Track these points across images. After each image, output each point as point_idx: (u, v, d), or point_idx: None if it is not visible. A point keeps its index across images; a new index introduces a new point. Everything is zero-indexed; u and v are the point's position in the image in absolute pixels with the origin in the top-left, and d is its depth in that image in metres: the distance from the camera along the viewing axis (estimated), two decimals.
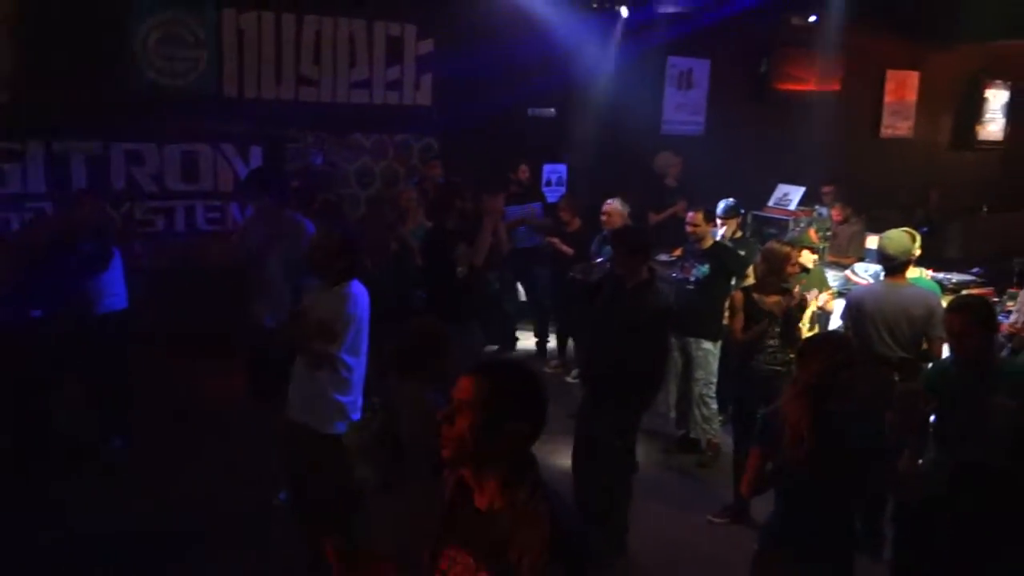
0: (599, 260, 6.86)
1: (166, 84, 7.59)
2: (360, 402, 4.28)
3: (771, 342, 5.41)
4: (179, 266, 7.55)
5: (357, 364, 4.23)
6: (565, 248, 7.55)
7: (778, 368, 5.40)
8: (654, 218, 8.68)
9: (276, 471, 5.43)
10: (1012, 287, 6.87)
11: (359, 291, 4.21)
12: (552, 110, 9.48)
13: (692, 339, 6.36)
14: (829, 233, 8.20)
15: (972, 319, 3.79)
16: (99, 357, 5.76)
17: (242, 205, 7.71)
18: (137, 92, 7.45)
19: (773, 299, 5.48)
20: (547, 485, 2.10)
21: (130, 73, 7.44)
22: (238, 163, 7.95)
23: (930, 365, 4.75)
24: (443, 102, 8.80)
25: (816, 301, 6.15)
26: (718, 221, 7.06)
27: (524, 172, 8.72)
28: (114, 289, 5.79)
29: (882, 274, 6.35)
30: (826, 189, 9.05)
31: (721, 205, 7.21)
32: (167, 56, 7.57)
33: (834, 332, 5.66)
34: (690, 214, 6.47)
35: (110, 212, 6.97)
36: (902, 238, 5.19)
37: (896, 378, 4.93)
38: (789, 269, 5.51)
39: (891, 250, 5.14)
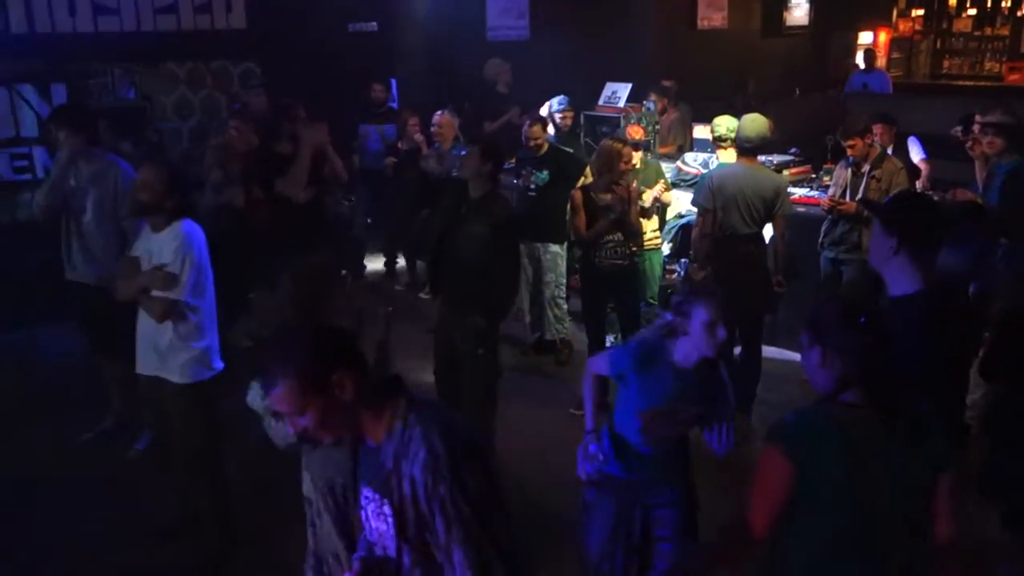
0: (454, 152, 6.85)
1: None
2: (217, 344, 4.13)
3: (610, 238, 5.57)
4: None
5: (206, 306, 4.03)
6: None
7: (619, 262, 5.59)
8: (489, 126, 8.67)
9: (128, 423, 5.26)
10: (827, 163, 7.32)
11: (193, 229, 3.97)
12: (374, 24, 9.19)
13: (539, 244, 6.48)
14: (658, 127, 8.43)
15: None
16: None
17: (50, 149, 7.14)
18: None
19: (608, 196, 5.63)
20: (423, 404, 2.14)
21: None
22: (40, 104, 7.31)
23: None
24: (259, 23, 8.35)
25: (649, 193, 6.38)
26: (557, 117, 7.17)
27: (378, 91, 8.48)
28: None
29: (714, 159, 6.66)
30: (666, 83, 9.25)
31: (556, 101, 7.30)
32: None
33: None
34: (526, 127, 6.51)
35: None
36: (759, 122, 5.44)
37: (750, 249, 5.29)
38: (622, 166, 5.63)
39: (750, 132, 5.39)
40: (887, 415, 2.31)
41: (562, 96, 7.40)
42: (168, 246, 3.89)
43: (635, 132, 6.89)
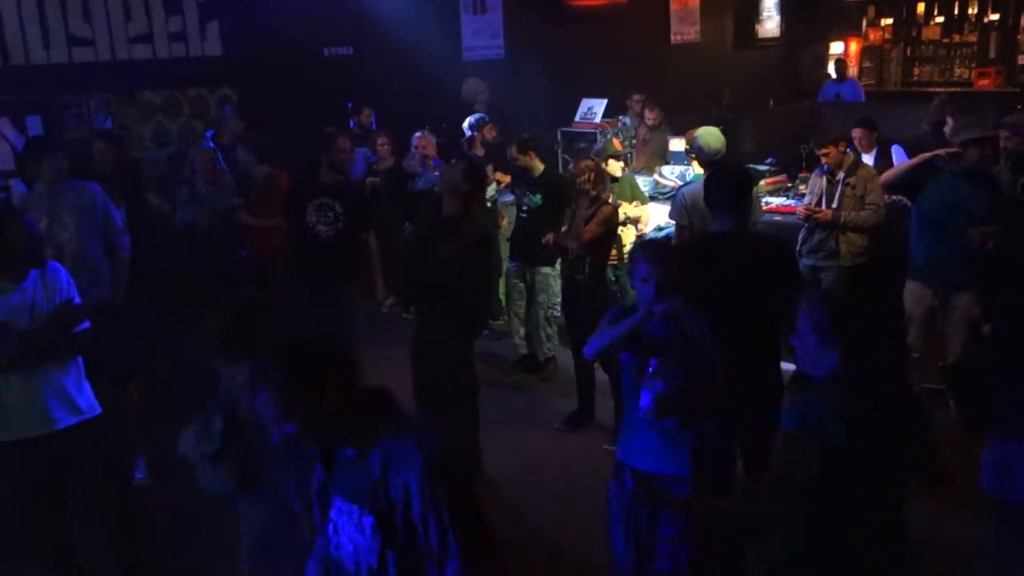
0: (437, 164, 6.90)
1: None
2: None
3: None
4: None
5: None
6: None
7: (576, 276, 5.60)
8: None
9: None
10: (802, 171, 7.40)
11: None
12: (350, 48, 9.24)
13: (531, 266, 6.46)
14: (634, 141, 8.50)
15: None
16: None
17: (27, 181, 7.11)
18: None
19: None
20: (410, 418, 2.21)
21: None
22: (14, 136, 7.29)
23: None
24: (234, 50, 8.37)
25: (626, 209, 6.39)
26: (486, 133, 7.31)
27: (368, 115, 8.52)
28: None
29: (690, 172, 6.70)
30: (636, 97, 9.28)
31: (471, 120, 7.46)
32: None
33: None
34: (511, 152, 6.49)
35: None
36: (715, 133, 5.49)
37: None
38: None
39: (715, 145, 5.43)
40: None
41: (474, 115, 7.61)
42: (55, 284, 3.77)
43: (617, 144, 6.97)
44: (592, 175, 5.48)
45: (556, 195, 6.16)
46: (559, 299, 6.40)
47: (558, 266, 6.30)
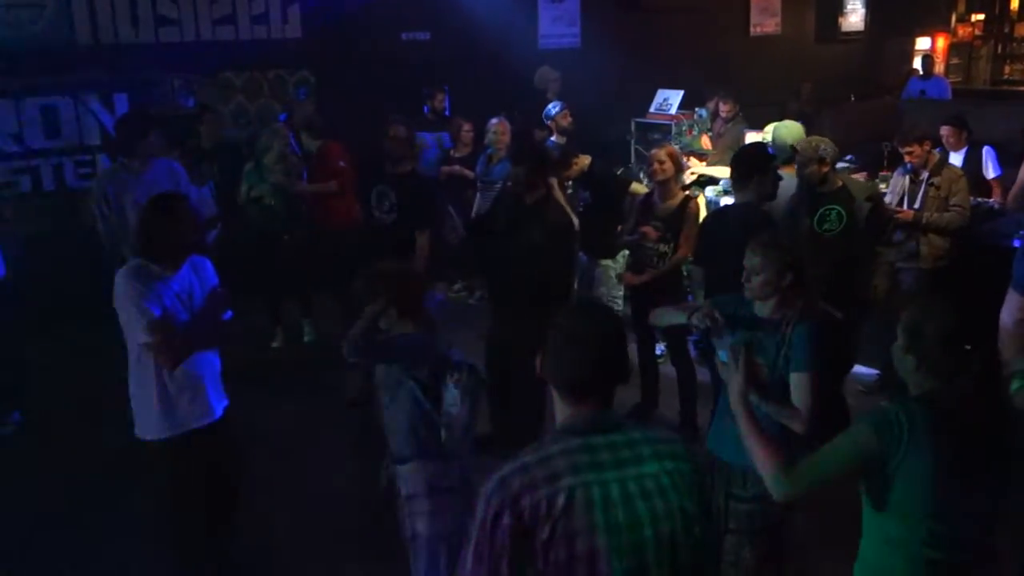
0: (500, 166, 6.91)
1: (12, 35, 7.06)
2: None
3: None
4: (53, 229, 7.19)
5: None
6: (467, 172, 7.56)
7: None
8: (540, 134, 8.67)
9: None
10: (883, 170, 7.20)
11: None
12: (427, 33, 9.29)
13: (591, 259, 6.41)
14: (710, 134, 8.38)
15: None
16: None
17: (112, 157, 7.33)
18: None
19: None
20: None
21: None
22: (103, 113, 7.52)
23: None
24: (314, 33, 8.49)
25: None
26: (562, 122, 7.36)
27: (440, 100, 8.57)
28: None
29: None
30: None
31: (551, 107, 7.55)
32: (8, 3, 7.04)
33: None
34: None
35: None
36: (794, 127, 5.35)
37: None
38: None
39: (788, 140, 5.30)
40: None
41: (555, 102, 7.73)
42: (204, 271, 3.69)
43: (705, 142, 6.88)
44: (667, 164, 5.41)
45: (602, 189, 6.12)
46: (619, 292, 6.34)
47: (620, 259, 6.26)
